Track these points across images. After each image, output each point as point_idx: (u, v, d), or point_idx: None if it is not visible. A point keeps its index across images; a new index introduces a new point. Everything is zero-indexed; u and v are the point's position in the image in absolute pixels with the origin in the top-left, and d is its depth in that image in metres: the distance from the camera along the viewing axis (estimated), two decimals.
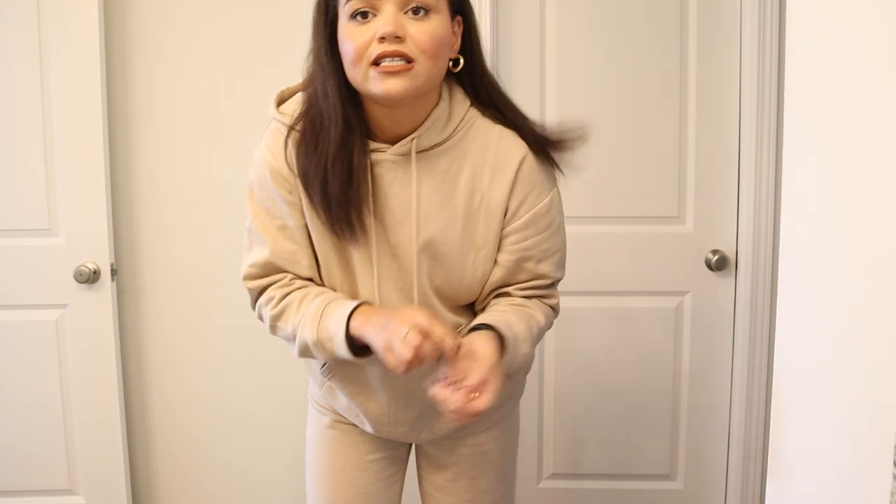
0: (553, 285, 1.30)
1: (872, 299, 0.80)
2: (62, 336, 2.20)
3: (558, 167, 1.25)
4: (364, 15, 1.07)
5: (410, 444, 1.45)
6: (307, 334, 1.17)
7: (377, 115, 1.15)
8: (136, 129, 2.22)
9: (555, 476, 2.33)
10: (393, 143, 1.17)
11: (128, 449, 2.28)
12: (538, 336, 1.25)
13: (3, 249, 2.17)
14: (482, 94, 1.20)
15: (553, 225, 1.24)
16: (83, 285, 2.16)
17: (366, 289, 1.22)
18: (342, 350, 1.14)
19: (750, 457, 2.22)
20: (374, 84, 1.08)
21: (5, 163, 2.14)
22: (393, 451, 1.41)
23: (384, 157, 1.17)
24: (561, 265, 1.29)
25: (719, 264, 2.19)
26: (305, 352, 1.20)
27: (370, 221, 1.18)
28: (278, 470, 2.35)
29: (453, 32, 1.14)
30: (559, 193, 1.26)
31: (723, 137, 2.17)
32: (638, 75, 2.16)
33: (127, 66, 2.20)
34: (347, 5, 1.08)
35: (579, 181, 2.19)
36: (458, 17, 1.16)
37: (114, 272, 2.19)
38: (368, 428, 1.34)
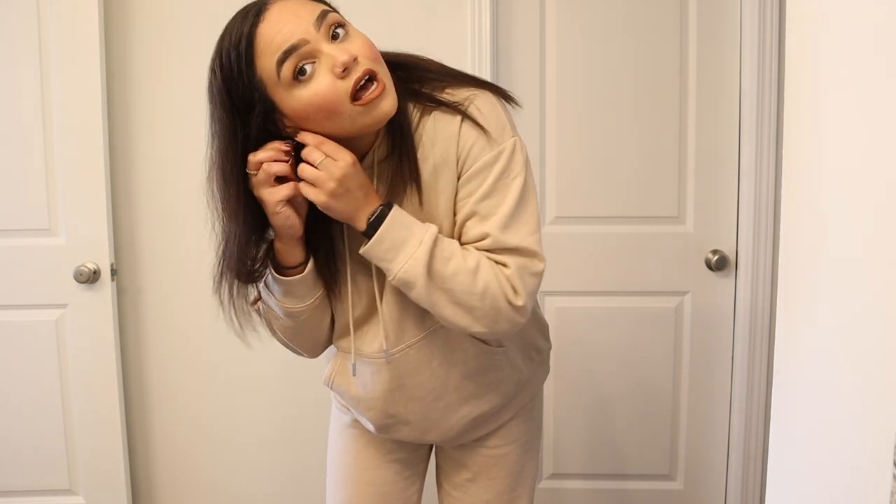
0: (504, 252, 1.11)
1: (872, 299, 0.80)
2: (62, 336, 2.20)
3: (508, 99, 1.19)
4: (302, 72, 1.02)
5: (430, 446, 1.45)
6: (265, 297, 1.21)
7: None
8: (136, 128, 2.22)
9: (555, 476, 2.33)
10: (362, 159, 1.15)
11: (128, 449, 2.28)
12: (453, 272, 1.09)
13: (3, 249, 2.17)
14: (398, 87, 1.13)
15: (503, 177, 1.11)
16: (83, 285, 2.16)
17: (344, 299, 1.24)
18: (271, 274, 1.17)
19: (750, 457, 2.22)
20: (364, 118, 1.05)
21: (5, 163, 2.14)
22: (412, 451, 1.41)
23: None
24: (508, 226, 1.10)
25: (719, 264, 2.19)
26: (271, 323, 1.24)
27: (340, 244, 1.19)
28: (279, 469, 2.35)
29: None
30: (517, 148, 1.13)
31: (723, 137, 2.17)
32: (638, 75, 2.16)
33: (127, 66, 2.20)
34: (285, 69, 1.02)
35: (580, 181, 2.21)
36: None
37: (114, 272, 2.19)
38: (372, 429, 1.34)
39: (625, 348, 2.27)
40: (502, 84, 2.15)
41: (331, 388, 1.34)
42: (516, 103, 1.21)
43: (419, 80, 1.15)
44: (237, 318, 1.18)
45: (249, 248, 1.14)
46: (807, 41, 1.00)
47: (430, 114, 1.13)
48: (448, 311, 1.11)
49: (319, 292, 1.20)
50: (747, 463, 2.23)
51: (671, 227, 2.21)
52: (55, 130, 2.12)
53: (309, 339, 1.27)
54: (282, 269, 1.16)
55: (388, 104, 1.05)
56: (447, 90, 1.14)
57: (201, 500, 2.37)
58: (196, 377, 2.31)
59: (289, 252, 1.14)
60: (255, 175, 1.08)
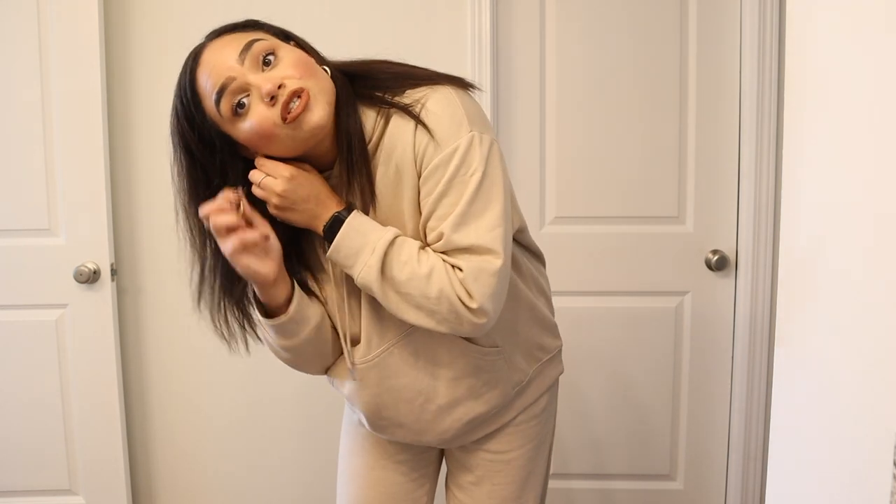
0: (457, 253, 1.10)
1: (872, 299, 0.80)
2: (62, 336, 2.20)
3: (469, 87, 1.19)
4: (241, 106, 1.07)
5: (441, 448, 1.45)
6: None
7: (306, 159, 1.16)
8: (136, 129, 2.22)
9: (555, 476, 2.33)
10: (330, 168, 1.17)
11: (128, 449, 2.28)
12: (408, 277, 1.10)
13: (3, 249, 2.17)
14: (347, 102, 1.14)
15: (459, 174, 1.09)
16: (83, 285, 2.16)
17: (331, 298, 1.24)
18: (257, 309, 1.19)
19: (750, 457, 2.22)
20: (299, 133, 1.08)
21: (5, 163, 2.14)
22: (420, 453, 1.41)
23: (332, 182, 1.18)
24: (461, 224, 1.09)
25: (719, 264, 2.19)
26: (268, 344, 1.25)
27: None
28: (280, 469, 2.35)
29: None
30: (475, 143, 1.10)
31: (723, 137, 2.17)
32: (638, 75, 2.16)
33: (127, 66, 2.20)
34: (223, 108, 1.07)
35: (580, 181, 2.21)
36: (292, 42, 1.16)
37: (114, 272, 2.19)
38: (369, 427, 1.34)
39: (625, 348, 2.27)
40: (502, 84, 2.17)
41: (333, 387, 1.35)
42: (477, 88, 1.21)
43: (378, 86, 1.17)
44: (223, 331, 1.20)
45: (228, 274, 1.16)
46: (807, 41, 1.00)
47: (390, 118, 1.15)
48: (410, 314, 1.12)
49: (312, 324, 1.21)
50: (747, 463, 2.23)
51: (671, 227, 2.22)
52: (55, 130, 2.12)
53: (314, 364, 1.28)
54: (268, 310, 1.18)
55: (315, 115, 1.07)
56: (407, 92, 1.15)
57: (201, 500, 2.37)
58: (196, 377, 2.31)
59: (266, 296, 1.16)
60: (208, 225, 1.10)
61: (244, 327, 1.21)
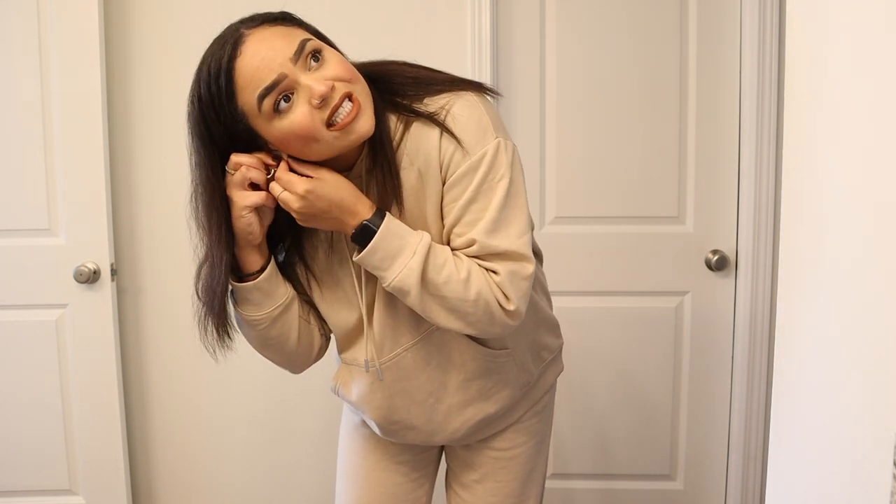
0: (493, 258, 1.11)
1: (872, 299, 0.80)
2: (62, 336, 2.20)
3: (489, 92, 1.18)
4: (283, 103, 1.04)
5: (441, 447, 1.45)
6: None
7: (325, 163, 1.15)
8: (136, 129, 2.22)
9: (555, 476, 2.33)
10: (350, 169, 1.16)
11: (128, 449, 2.28)
12: (445, 280, 1.11)
13: (3, 249, 2.17)
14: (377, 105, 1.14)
15: (487, 180, 1.10)
16: (83, 285, 2.16)
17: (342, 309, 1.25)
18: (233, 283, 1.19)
19: (750, 457, 2.22)
20: (342, 141, 1.06)
21: (5, 163, 2.14)
22: (421, 453, 1.42)
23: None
24: (494, 230, 1.10)
25: (719, 264, 2.19)
26: (241, 324, 1.25)
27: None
28: (280, 469, 2.35)
29: None
30: (501, 149, 1.11)
31: (723, 137, 2.17)
32: (638, 75, 2.16)
33: (127, 66, 2.20)
34: (265, 104, 1.04)
35: (580, 181, 2.21)
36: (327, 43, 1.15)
37: (114, 272, 2.19)
38: (379, 432, 1.35)
39: (625, 348, 2.27)
40: (502, 84, 2.16)
41: (338, 396, 1.35)
42: (498, 94, 1.21)
43: (397, 92, 1.15)
44: (209, 337, 1.22)
45: (227, 276, 1.15)
46: (807, 41, 1.00)
47: (411, 125, 1.14)
48: (441, 317, 1.13)
49: (279, 303, 1.20)
50: (747, 463, 2.23)
51: (671, 227, 2.22)
52: (55, 130, 2.12)
53: (279, 354, 1.27)
54: (240, 277, 1.18)
55: (365, 125, 1.06)
56: (426, 99, 1.14)
57: (201, 500, 2.37)
58: (196, 377, 2.31)
59: (246, 258, 1.16)
60: (233, 175, 1.10)
61: (224, 319, 1.21)
